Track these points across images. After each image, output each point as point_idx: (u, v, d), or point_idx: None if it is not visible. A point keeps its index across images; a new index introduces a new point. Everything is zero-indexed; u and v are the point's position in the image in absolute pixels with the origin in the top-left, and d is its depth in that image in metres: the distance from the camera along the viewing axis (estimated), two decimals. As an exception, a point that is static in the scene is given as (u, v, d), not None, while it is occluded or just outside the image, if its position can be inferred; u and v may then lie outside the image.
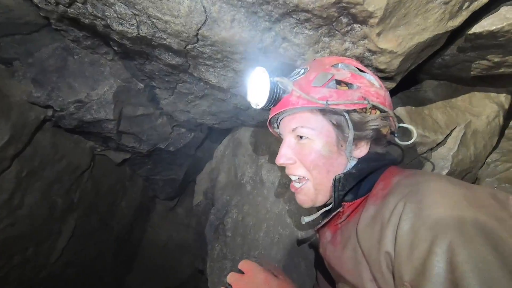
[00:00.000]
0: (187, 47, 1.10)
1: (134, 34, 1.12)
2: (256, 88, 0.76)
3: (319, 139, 0.69)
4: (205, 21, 0.99)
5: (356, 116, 0.67)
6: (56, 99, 1.60)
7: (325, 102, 0.65)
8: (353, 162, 0.69)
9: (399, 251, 0.49)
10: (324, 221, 0.73)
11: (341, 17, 0.87)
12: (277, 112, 0.74)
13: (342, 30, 0.90)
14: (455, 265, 0.42)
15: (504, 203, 0.50)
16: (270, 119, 0.81)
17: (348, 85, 0.69)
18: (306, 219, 0.80)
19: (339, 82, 0.69)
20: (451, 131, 1.16)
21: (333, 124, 0.68)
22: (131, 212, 2.51)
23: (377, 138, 0.69)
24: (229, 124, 1.74)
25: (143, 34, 1.10)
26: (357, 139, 0.68)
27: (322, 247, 0.78)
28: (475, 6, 0.84)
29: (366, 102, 0.66)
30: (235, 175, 1.71)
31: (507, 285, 0.39)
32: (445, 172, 1.13)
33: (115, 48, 1.40)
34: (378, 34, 0.86)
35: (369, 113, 0.68)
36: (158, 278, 2.72)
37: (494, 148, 1.30)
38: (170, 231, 2.83)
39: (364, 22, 0.84)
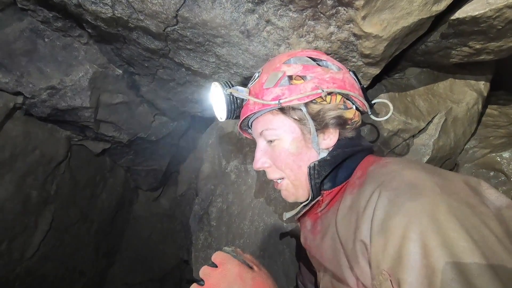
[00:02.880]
0: (166, 30, 1.04)
1: (109, 15, 1.05)
2: (215, 102, 0.79)
3: (285, 137, 0.70)
4: (185, 1, 0.94)
5: (314, 107, 0.67)
6: (26, 85, 1.50)
7: (277, 102, 0.66)
8: (324, 154, 0.69)
9: (374, 240, 0.50)
10: (304, 210, 0.74)
11: (326, -1, 0.84)
12: (241, 120, 0.76)
13: (327, 13, 0.88)
14: (429, 250, 0.43)
15: (476, 189, 0.52)
16: (241, 125, 0.81)
17: (303, 77, 0.69)
18: (287, 215, 0.81)
19: (292, 78, 0.69)
20: (433, 118, 1.17)
21: (295, 120, 0.69)
22: (112, 204, 2.44)
23: (342, 123, 0.69)
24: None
25: (119, 15, 1.04)
26: (322, 129, 0.68)
27: (303, 236, 0.79)
28: (459, -10, 0.84)
29: (320, 91, 0.65)
30: (220, 164, 1.68)
31: (479, 269, 0.40)
32: (426, 158, 1.15)
33: (90, 30, 1.32)
34: (363, 18, 0.84)
35: (328, 101, 0.68)
36: (142, 270, 2.69)
37: (472, 134, 1.34)
38: (154, 222, 2.79)
39: (349, 4, 0.82)
